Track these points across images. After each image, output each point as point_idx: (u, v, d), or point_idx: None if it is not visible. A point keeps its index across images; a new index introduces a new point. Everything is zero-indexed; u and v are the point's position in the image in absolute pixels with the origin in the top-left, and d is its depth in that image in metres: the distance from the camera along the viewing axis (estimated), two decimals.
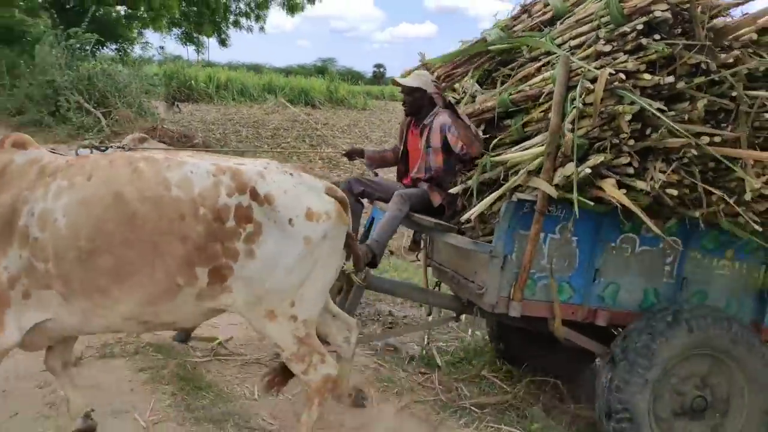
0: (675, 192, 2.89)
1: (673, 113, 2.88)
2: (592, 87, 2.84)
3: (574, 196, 2.85)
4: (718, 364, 3.14)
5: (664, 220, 3.06)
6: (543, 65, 3.35)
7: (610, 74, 2.81)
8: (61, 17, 14.61)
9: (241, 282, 2.48)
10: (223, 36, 19.91)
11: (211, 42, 22.46)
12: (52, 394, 3.27)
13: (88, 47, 14.07)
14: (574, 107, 2.89)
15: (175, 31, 19.68)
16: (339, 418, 3.33)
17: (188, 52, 38.01)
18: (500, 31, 3.73)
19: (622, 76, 2.82)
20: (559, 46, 3.25)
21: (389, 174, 4.62)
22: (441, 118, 3.59)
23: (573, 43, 3.21)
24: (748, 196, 2.94)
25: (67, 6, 16.07)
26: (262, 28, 20.31)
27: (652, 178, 2.86)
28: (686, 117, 2.89)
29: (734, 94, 2.92)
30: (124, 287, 2.45)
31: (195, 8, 17.98)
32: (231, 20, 19.67)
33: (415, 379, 3.90)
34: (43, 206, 2.41)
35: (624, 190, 2.88)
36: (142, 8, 16.60)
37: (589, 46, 3.05)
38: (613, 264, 3.22)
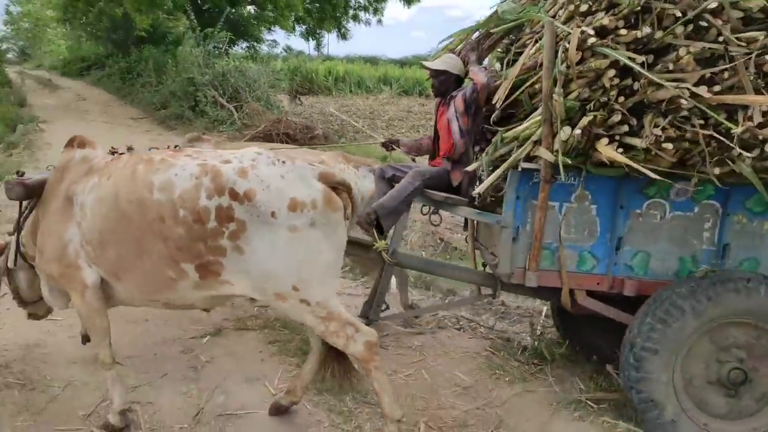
0: (671, 146, 2.73)
1: (659, 66, 2.77)
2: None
3: (560, 159, 2.83)
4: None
5: (694, 182, 2.91)
6: (541, 37, 3.26)
7: (582, 32, 2.77)
8: (198, 19, 15.88)
9: (239, 275, 2.61)
10: (342, 30, 20.57)
11: (330, 36, 23.26)
12: (194, 359, 3.68)
13: (222, 46, 15.21)
14: (557, 71, 2.86)
15: (299, 27, 20.62)
16: (450, 401, 3.43)
17: (309, 47, 39.63)
18: (512, 2, 3.67)
19: (590, 31, 2.77)
20: (553, 17, 3.14)
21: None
22: (466, 90, 3.69)
23: (561, 12, 3.14)
24: None
25: (204, 8, 17.44)
26: (379, 21, 20.75)
27: (647, 135, 2.73)
28: (670, 67, 2.74)
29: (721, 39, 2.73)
30: (128, 276, 2.78)
31: (318, 5, 18.74)
32: (350, 14, 20.26)
33: (527, 369, 3.88)
34: (82, 198, 2.81)
35: (621, 150, 2.79)
36: (270, 7, 17.61)
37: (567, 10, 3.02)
38: (641, 231, 3.08)
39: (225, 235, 2.56)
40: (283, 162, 2.70)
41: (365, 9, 20.46)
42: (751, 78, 2.73)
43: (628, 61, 2.74)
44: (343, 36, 21.20)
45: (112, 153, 3.10)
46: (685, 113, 2.75)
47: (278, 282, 2.63)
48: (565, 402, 3.43)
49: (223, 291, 2.72)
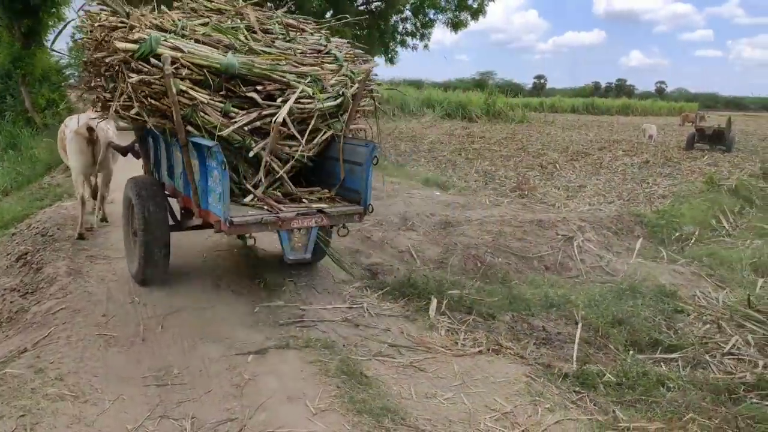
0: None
1: None
2: None
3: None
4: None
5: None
6: None
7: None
8: None
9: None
10: (390, 55, 20.81)
11: (377, 60, 23.54)
12: (238, 377, 3.78)
13: None
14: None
15: None
16: (489, 426, 3.40)
17: None
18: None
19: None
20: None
21: None
22: None
23: None
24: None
25: None
26: (426, 46, 20.92)
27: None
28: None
29: None
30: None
31: (366, 31, 19.07)
32: (398, 40, 20.51)
33: (569, 397, 3.82)
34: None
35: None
36: None
37: None
38: (163, 155, 5.44)
39: (61, 145, 6.77)
40: (80, 120, 6.41)
41: (412, 35, 20.69)
42: None
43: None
44: (391, 61, 21.44)
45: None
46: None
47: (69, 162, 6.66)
48: (607, 430, 3.36)
49: None
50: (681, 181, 12.62)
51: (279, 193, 4.87)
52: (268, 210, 4.52)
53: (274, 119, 4.51)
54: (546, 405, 3.65)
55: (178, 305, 4.88)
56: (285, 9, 6.03)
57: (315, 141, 4.92)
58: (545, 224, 7.60)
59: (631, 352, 4.61)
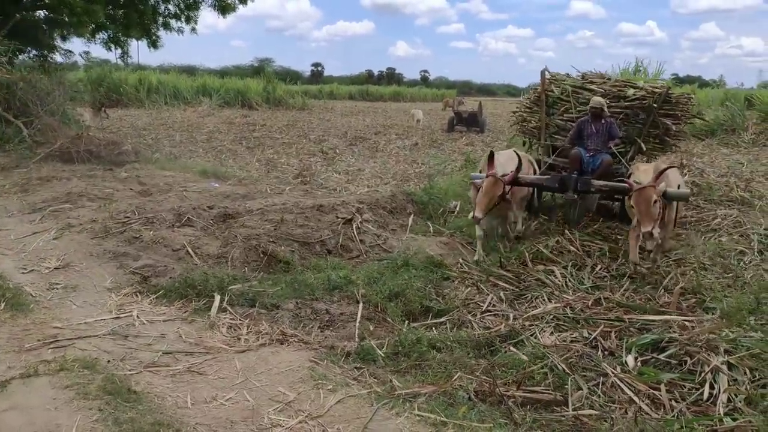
0: None
1: None
2: None
3: None
4: None
5: None
6: None
7: None
8: None
9: None
10: (153, 38, 19.22)
11: (140, 44, 21.66)
12: None
13: (6, 55, 13.38)
14: None
15: (101, 35, 18.84)
16: (273, 419, 3.33)
17: (116, 55, 36.69)
18: None
19: None
20: None
21: None
22: None
23: None
24: None
25: None
26: (193, 29, 19.73)
27: None
28: None
29: None
30: None
31: (122, 11, 17.30)
32: (160, 22, 19.02)
33: (350, 374, 3.93)
34: None
35: None
36: (65, 12, 15.77)
37: None
38: None
39: None
40: None
41: (176, 17, 19.32)
42: None
43: None
44: (154, 44, 19.78)
45: None
46: None
47: None
48: (384, 401, 3.53)
49: None
50: (444, 160, 13.93)
51: None
52: None
53: None
54: (329, 386, 3.70)
55: None
56: None
57: None
58: (326, 209, 7.73)
59: (406, 322, 4.94)
